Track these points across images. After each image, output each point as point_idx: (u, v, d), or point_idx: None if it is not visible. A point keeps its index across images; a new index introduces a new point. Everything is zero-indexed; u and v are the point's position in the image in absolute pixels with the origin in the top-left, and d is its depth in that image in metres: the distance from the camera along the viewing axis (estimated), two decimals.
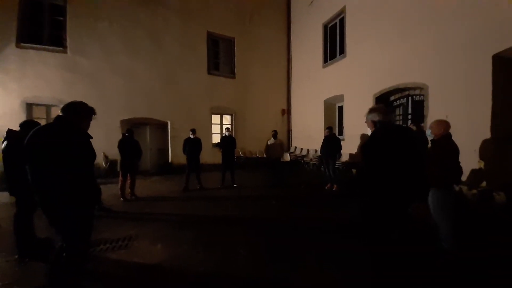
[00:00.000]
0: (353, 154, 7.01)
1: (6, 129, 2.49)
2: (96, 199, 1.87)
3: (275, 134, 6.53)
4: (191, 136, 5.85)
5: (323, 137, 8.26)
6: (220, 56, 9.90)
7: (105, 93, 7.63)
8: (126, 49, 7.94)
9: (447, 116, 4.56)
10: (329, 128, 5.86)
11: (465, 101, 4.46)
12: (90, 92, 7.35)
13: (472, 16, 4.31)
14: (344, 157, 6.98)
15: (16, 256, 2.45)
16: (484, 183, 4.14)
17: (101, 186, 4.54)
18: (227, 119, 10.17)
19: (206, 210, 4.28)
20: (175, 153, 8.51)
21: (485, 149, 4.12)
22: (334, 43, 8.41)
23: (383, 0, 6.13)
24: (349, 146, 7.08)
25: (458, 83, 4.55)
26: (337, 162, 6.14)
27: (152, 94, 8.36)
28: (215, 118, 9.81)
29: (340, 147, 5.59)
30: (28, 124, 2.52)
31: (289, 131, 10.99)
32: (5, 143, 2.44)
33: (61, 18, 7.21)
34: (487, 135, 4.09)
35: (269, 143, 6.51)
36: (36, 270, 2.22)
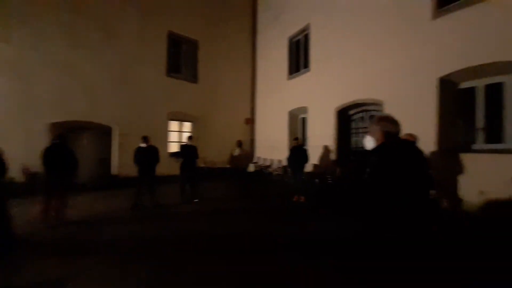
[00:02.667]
0: (317, 164, 7.13)
1: None
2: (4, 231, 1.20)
3: (240, 144, 6.19)
4: (141, 145, 5.01)
5: (287, 148, 8.41)
6: (182, 58, 9.19)
7: (30, 88, 6.10)
8: (65, 38, 6.59)
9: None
10: (296, 139, 5.81)
11: (415, 116, 4.93)
12: (10, 85, 5.77)
13: (421, 43, 4.87)
14: (309, 167, 7.04)
15: None
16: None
17: (16, 209, 3.42)
18: (186, 126, 9.39)
19: (160, 233, 3.54)
20: (121, 164, 7.30)
21: (432, 160, 4.57)
22: (298, 57, 8.69)
23: (346, 23, 6.58)
24: (313, 157, 7.18)
25: (410, 101, 5.02)
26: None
27: (95, 93, 7.09)
28: (173, 125, 8.93)
29: (307, 158, 5.57)
30: None
31: (252, 140, 10.78)
32: None
33: None
34: (433, 147, 4.55)
35: (234, 153, 6.12)
36: None
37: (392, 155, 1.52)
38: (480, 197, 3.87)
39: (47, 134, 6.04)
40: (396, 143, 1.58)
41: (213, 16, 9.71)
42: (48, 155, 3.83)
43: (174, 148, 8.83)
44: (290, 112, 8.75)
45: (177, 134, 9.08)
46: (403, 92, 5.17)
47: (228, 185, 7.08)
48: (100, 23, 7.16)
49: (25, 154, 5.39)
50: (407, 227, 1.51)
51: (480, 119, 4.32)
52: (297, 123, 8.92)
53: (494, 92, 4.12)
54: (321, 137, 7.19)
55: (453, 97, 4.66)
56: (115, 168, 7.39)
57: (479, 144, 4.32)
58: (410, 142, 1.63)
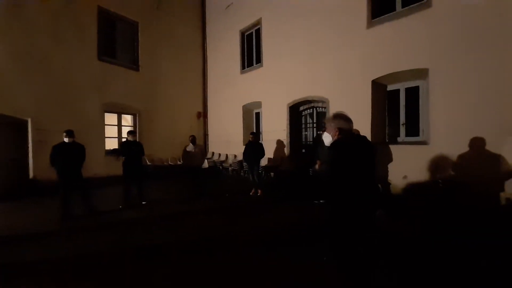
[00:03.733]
0: (271, 158, 7.34)
1: None
2: None
3: (193, 139, 5.80)
4: (65, 140, 4.13)
5: (242, 142, 8.38)
6: (118, 40, 7.95)
7: None
8: None
9: None
10: (253, 134, 5.81)
11: (355, 113, 5.50)
12: None
13: (358, 49, 5.47)
14: (263, 162, 7.20)
15: None
16: None
17: None
18: (127, 119, 8.27)
19: (97, 248, 2.96)
20: (40, 165, 5.90)
21: None
22: (251, 51, 8.65)
23: (295, 20, 6.84)
24: (267, 150, 7.34)
25: (349, 99, 5.63)
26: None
27: (4, 80, 5.48)
28: (111, 118, 7.73)
29: (263, 152, 5.64)
30: None
31: (205, 135, 10.33)
32: None
33: None
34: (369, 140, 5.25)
35: (187, 149, 5.71)
36: None
37: (348, 149, 1.68)
38: (403, 181, 4.68)
39: None
40: (350, 137, 1.75)
41: None
42: None
43: (112, 144, 7.68)
44: (244, 106, 8.70)
45: (116, 128, 7.91)
46: (344, 91, 5.75)
47: (181, 183, 6.60)
48: None
49: None
50: (363, 211, 1.68)
51: (402, 116, 5.18)
52: (252, 118, 8.96)
53: (413, 94, 4.98)
54: (275, 132, 7.42)
55: (383, 97, 5.44)
56: (32, 171, 5.93)
57: (402, 137, 5.19)
58: (362, 137, 1.81)
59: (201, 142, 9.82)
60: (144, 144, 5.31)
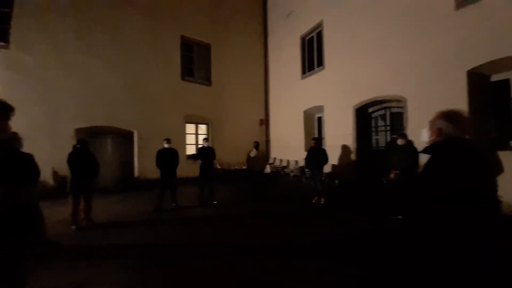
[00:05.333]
0: (335, 165, 6.92)
1: None
2: (35, 232, 1.23)
3: (257, 145, 6.13)
4: (165, 146, 5.11)
5: (304, 148, 8.25)
6: (195, 61, 9.33)
7: (55, 97, 6.43)
8: (82, 48, 6.87)
9: (426, 128, 4.68)
10: (315, 139, 5.65)
11: None
12: (36, 95, 6.12)
13: (445, 35, 4.57)
14: (326, 168, 6.85)
15: None
16: None
17: (47, 210, 3.58)
18: (202, 129, 9.50)
19: (181, 237, 3.56)
20: (142, 167, 7.51)
21: None
22: (312, 55, 8.52)
23: (361, 16, 6.35)
24: (331, 156, 6.97)
25: (435, 96, 4.72)
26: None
27: (115, 100, 7.34)
28: (190, 128, 9.07)
29: (326, 159, 5.39)
30: None
31: (267, 141, 10.71)
32: None
33: (7, 10, 5.97)
34: None
35: (251, 155, 6.07)
36: None
37: (448, 157, 1.32)
38: None
39: (73, 139, 6.33)
40: (453, 143, 1.35)
41: (223, 18, 9.78)
42: (71, 159, 3.98)
43: (191, 150, 8.96)
44: (305, 111, 8.59)
45: (194, 136, 9.20)
46: (428, 87, 4.88)
47: (245, 186, 7.04)
48: (113, 31, 7.39)
49: (53, 159, 5.68)
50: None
51: None
52: (313, 123, 8.74)
53: None
54: (339, 137, 6.98)
55: (484, 91, 4.32)
56: (136, 171, 7.61)
57: None
58: (471, 145, 1.41)
59: (263, 148, 10.22)
60: (215, 150, 5.98)
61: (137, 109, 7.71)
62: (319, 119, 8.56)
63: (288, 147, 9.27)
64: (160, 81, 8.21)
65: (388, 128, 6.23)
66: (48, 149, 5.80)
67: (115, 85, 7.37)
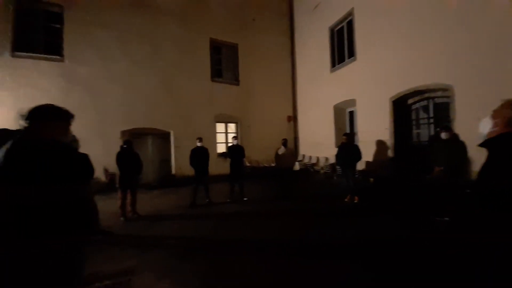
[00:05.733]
0: (370, 161, 6.54)
1: None
2: (92, 227, 1.43)
3: (285, 142, 6.09)
4: (198, 144, 5.40)
5: (334, 144, 7.95)
6: (223, 62, 9.60)
7: (103, 102, 7.23)
8: (124, 56, 7.59)
9: (479, 118, 4.14)
10: (347, 135, 5.41)
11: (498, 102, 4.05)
12: (87, 102, 6.96)
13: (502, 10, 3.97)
14: (360, 165, 6.50)
15: None
16: None
17: (101, 203, 4.07)
18: (231, 127, 9.76)
19: (215, 231, 3.76)
20: (178, 164, 8.04)
21: None
22: (342, 46, 8.12)
23: (394, 1, 5.84)
24: (365, 153, 6.60)
25: (489, 84, 4.14)
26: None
27: (153, 103, 7.97)
28: (220, 127, 9.40)
29: (359, 155, 5.12)
30: None
31: (296, 138, 10.56)
32: None
33: (58, 26, 6.91)
34: None
35: (279, 152, 6.06)
36: None
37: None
38: None
39: (119, 140, 7.06)
40: None
41: (250, 17, 9.84)
42: (119, 158, 4.46)
43: (221, 148, 9.30)
44: (335, 106, 8.25)
45: (224, 135, 9.52)
46: (478, 73, 4.30)
47: (274, 184, 7.06)
48: (151, 40, 7.99)
49: (104, 158, 6.40)
50: None
51: None
52: (345, 118, 8.36)
53: None
54: (373, 132, 6.57)
55: None
56: (173, 168, 8.19)
57: None
58: None
59: (291, 145, 10.11)
60: (244, 148, 6.11)
61: (173, 111, 8.25)
62: (351, 113, 8.15)
63: (317, 144, 9.03)
64: (192, 84, 8.65)
65: (432, 120, 5.66)
66: (99, 149, 6.55)
67: (153, 90, 7.99)
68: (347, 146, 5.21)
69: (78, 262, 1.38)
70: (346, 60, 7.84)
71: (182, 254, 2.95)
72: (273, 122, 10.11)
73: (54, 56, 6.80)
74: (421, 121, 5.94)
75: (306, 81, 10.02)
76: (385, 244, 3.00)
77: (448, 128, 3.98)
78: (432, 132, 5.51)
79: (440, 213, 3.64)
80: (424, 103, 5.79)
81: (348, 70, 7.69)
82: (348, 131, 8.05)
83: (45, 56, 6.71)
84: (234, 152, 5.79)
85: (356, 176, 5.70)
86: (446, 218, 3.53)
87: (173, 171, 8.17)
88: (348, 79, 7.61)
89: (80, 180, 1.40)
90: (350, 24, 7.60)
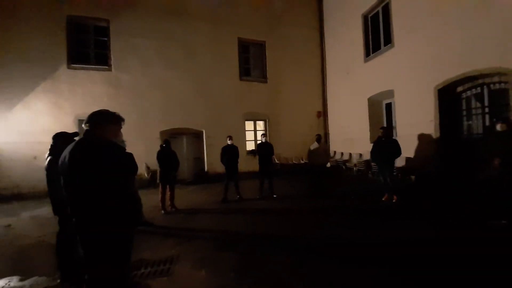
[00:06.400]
0: (410, 157, 6.00)
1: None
2: (138, 219, 1.62)
3: (318, 138, 5.91)
4: (228, 142, 5.59)
5: (369, 139, 7.47)
6: (251, 61, 9.69)
7: (144, 106, 7.91)
8: (161, 62, 8.17)
9: None
10: (383, 128, 5.04)
11: None
12: (131, 106, 7.68)
13: None
14: (400, 162, 6.01)
15: (58, 281, 2.33)
16: None
17: (143, 197, 4.52)
18: (260, 125, 9.83)
19: (247, 226, 3.88)
20: (210, 162, 8.42)
21: None
22: (377, 33, 7.54)
23: None
24: (404, 148, 6.08)
25: None
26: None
27: (187, 104, 8.45)
28: (249, 125, 9.55)
29: (399, 151, 4.74)
30: (58, 136, 2.43)
31: (326, 134, 10.18)
32: (48, 158, 2.37)
33: (105, 39, 7.74)
34: None
35: (311, 148, 5.91)
36: None
37: None
38: None
39: (159, 140, 7.67)
40: None
41: (277, 13, 9.71)
42: (159, 156, 4.87)
43: (250, 146, 9.45)
44: (370, 98, 7.73)
45: (252, 133, 9.64)
46: None
47: (304, 181, 6.95)
48: (185, 45, 8.44)
49: (146, 156, 7.03)
50: None
51: None
52: (381, 110, 7.79)
53: None
54: (415, 125, 6.00)
55: None
56: (206, 166, 8.61)
57: None
58: None
59: (324, 141, 9.78)
60: (273, 145, 6.12)
61: (205, 111, 8.64)
62: (388, 106, 7.55)
63: (350, 140, 8.58)
64: (221, 84, 8.92)
65: (486, 110, 4.94)
66: (142, 148, 7.21)
67: (187, 92, 8.48)
68: (384, 141, 4.86)
69: (130, 248, 1.58)
70: (382, 48, 7.27)
71: (216, 246, 3.12)
72: (302, 118, 9.90)
73: (103, 66, 7.66)
74: (473, 111, 5.22)
75: (337, 74, 9.56)
76: (423, 249, 2.75)
77: (506, 119, 3.44)
78: (488, 123, 4.81)
79: (496, 215, 3.20)
80: (477, 90, 5.07)
81: (384, 58, 7.12)
82: (384, 125, 7.48)
83: (95, 66, 7.60)
84: (263, 149, 5.84)
85: (394, 173, 5.30)
86: (504, 221, 3.09)
87: (206, 168, 8.59)
88: (385, 68, 7.04)
89: (130, 177, 1.59)
90: (386, 9, 7.00)
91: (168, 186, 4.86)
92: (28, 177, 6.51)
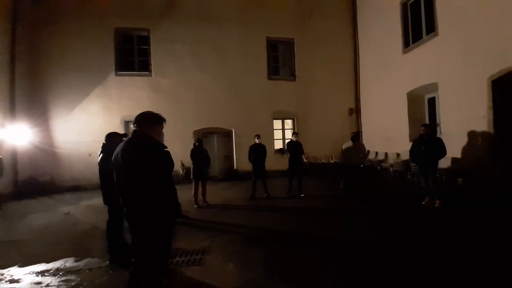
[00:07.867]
0: (457, 158, 5.39)
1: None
2: (178, 211, 1.79)
3: (354, 137, 5.62)
4: (256, 141, 5.70)
5: (407, 138, 6.89)
6: (279, 59, 9.65)
7: (180, 107, 8.48)
8: (195, 66, 8.66)
9: None
10: (425, 126, 4.62)
11: None
12: (169, 108, 8.26)
13: None
14: (444, 163, 5.42)
15: (108, 262, 2.67)
16: None
17: (178, 192, 4.89)
18: (288, 123, 9.75)
19: (274, 224, 3.94)
20: (239, 160, 8.64)
21: None
22: (418, 22, 6.89)
23: None
24: (449, 147, 5.48)
25: None
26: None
27: (218, 105, 8.81)
28: (277, 123, 9.55)
29: (443, 150, 4.30)
30: (110, 136, 2.81)
31: (359, 132, 9.64)
32: (101, 155, 2.72)
33: (146, 47, 8.47)
34: None
35: (344, 147, 5.66)
36: (122, 279, 2.29)
37: None
38: None
39: (192, 139, 8.14)
40: None
41: (306, 9, 9.48)
42: (192, 154, 5.19)
43: (278, 145, 9.44)
44: (410, 93, 7.12)
45: (280, 131, 9.61)
46: None
47: (334, 181, 6.71)
48: (217, 48, 8.82)
49: (181, 153, 7.51)
50: None
51: None
52: (422, 106, 7.12)
53: None
54: (463, 121, 5.37)
55: None
56: (235, 164, 8.89)
57: None
58: None
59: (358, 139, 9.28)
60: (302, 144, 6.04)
61: (234, 111, 8.91)
62: (431, 100, 6.86)
63: (385, 138, 8.02)
64: (250, 83, 9.08)
65: None
66: (177, 146, 7.68)
67: (218, 93, 8.86)
68: (427, 140, 4.44)
69: (171, 237, 1.79)
70: (424, 37, 6.62)
71: (246, 241, 3.25)
72: (332, 116, 9.54)
73: (145, 72, 8.43)
74: None
75: (371, 67, 8.99)
76: (464, 259, 2.47)
77: None
78: None
79: None
80: None
81: (427, 48, 6.48)
82: (427, 121, 6.81)
83: (139, 73, 8.41)
84: (293, 148, 5.80)
85: (438, 175, 4.82)
86: None
87: (235, 166, 8.85)
88: (427, 60, 6.41)
89: (169, 173, 1.76)
90: None
91: (200, 182, 5.16)
92: (84, 172, 7.49)
